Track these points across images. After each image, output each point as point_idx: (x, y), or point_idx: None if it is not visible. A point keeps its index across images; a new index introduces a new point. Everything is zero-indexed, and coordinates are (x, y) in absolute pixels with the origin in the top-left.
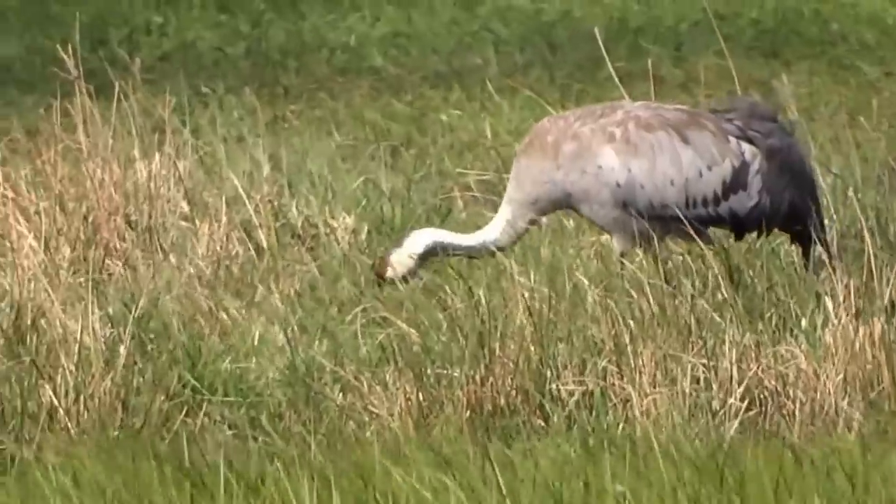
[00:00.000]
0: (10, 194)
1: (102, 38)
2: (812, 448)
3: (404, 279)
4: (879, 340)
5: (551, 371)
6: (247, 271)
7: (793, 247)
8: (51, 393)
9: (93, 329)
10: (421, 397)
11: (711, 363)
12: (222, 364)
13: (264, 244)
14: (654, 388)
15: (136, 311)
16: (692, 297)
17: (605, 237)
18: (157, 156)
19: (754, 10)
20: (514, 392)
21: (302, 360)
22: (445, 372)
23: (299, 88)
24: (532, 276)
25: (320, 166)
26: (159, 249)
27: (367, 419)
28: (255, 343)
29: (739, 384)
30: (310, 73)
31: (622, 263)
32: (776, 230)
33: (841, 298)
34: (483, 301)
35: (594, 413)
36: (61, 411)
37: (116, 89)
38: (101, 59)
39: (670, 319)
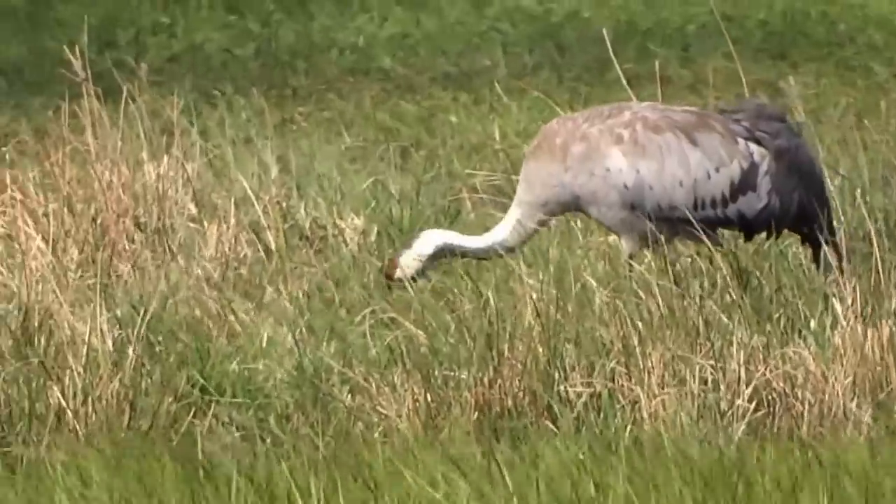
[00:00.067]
0: (19, 196)
1: (110, 39)
2: (821, 449)
3: (413, 280)
4: (888, 342)
5: (559, 372)
6: (255, 273)
7: (801, 248)
8: (59, 394)
9: (101, 330)
10: (429, 399)
11: (720, 364)
12: (230, 365)
13: (273, 246)
14: (663, 389)
15: (144, 312)
16: (700, 298)
17: (613, 238)
18: (165, 157)
19: (762, 12)
20: (522, 393)
21: (310, 362)
22: (453, 373)
23: (308, 90)
24: (540, 278)
25: (329, 168)
26: (167, 251)
27: (375, 420)
28: (264, 344)
29: (748, 385)
30: (319, 74)
31: (630, 265)
32: (786, 231)
33: (849, 300)
34: (491, 302)
35: (602, 414)
36: (69, 412)
37: (124, 91)
38: (109, 61)
39: (678, 321)
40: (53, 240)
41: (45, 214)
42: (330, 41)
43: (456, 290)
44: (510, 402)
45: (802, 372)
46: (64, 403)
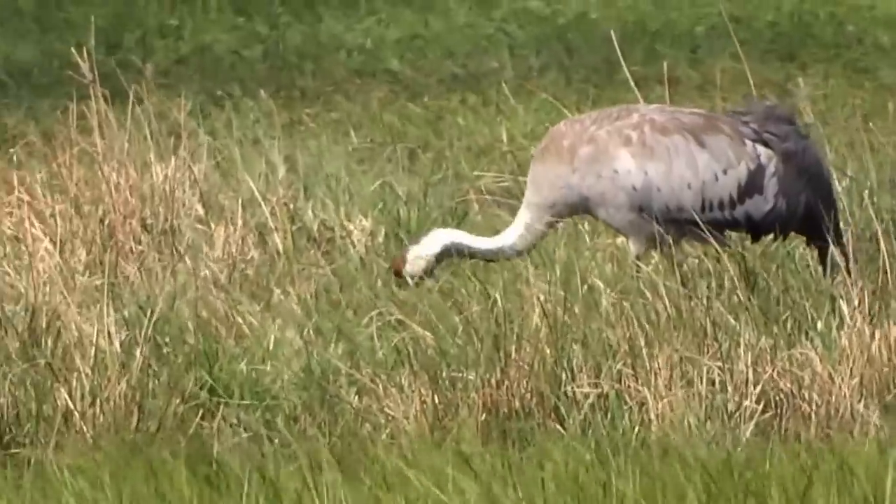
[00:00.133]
0: (26, 197)
1: (118, 41)
2: (828, 451)
3: (420, 278)
4: (895, 343)
5: (566, 374)
6: (262, 274)
7: (808, 249)
8: (66, 396)
9: (108, 332)
10: (436, 400)
11: (727, 366)
12: (238, 367)
13: (280, 247)
14: (670, 390)
15: (151, 313)
16: (707, 299)
17: (620, 240)
18: (172, 159)
19: (770, 13)
20: (529, 395)
21: (317, 363)
22: (461, 375)
23: (316, 91)
24: (548, 279)
25: (336, 169)
26: (175, 252)
27: (382, 422)
28: (271, 346)
29: (755, 387)
30: (326, 75)
31: (637, 266)
32: (793, 233)
33: (856, 301)
34: (499, 304)
35: (609, 416)
36: (77, 414)
37: (132, 93)
38: (117, 63)
39: (686, 322)
40: (61, 241)
41: (53, 216)
42: (338, 43)
43: (463, 292)
44: (517, 404)
45: (809, 373)
46: (71, 405)
